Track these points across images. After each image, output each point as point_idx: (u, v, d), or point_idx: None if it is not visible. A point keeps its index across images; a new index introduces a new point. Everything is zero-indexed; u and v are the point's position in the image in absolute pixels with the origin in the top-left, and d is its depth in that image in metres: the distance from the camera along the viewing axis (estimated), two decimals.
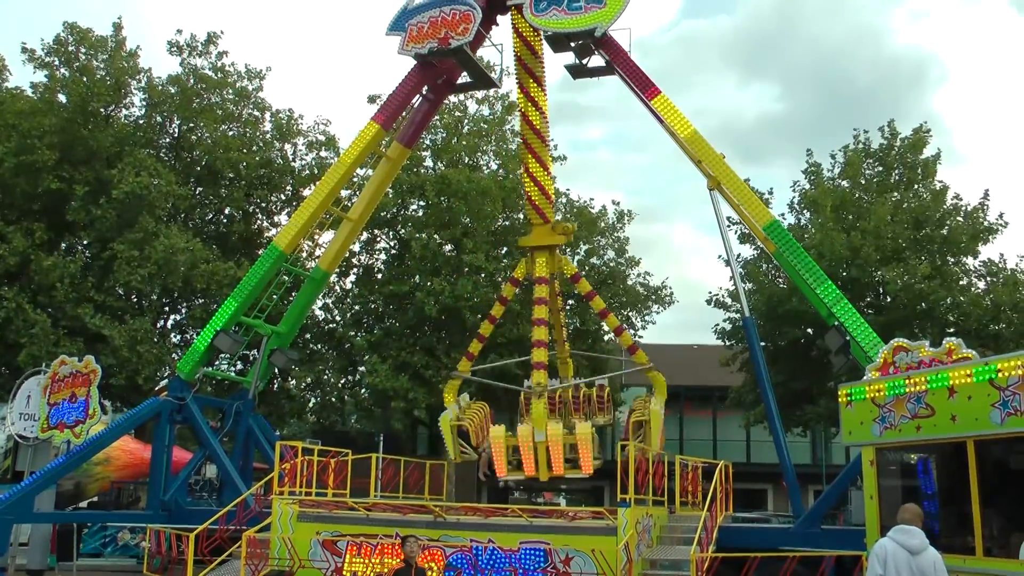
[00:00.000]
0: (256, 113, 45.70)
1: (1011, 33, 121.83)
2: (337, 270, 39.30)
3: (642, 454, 21.13)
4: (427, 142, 44.66)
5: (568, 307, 43.07)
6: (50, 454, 27.22)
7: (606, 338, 45.30)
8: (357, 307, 45.94)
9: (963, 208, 38.24)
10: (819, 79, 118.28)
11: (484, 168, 45.32)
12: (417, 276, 42.99)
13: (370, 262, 47.08)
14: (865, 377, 17.67)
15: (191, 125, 44.23)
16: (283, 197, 46.39)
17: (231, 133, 44.37)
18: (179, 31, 44.37)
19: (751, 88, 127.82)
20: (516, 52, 27.74)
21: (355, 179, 38.03)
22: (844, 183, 40.31)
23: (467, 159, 44.87)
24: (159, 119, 44.41)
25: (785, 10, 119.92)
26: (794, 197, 41.31)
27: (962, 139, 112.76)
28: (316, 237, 38.04)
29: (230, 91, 44.55)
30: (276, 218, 46.35)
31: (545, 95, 28.23)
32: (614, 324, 30.00)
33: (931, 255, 37.26)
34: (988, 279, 37.72)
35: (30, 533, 27.05)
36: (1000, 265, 37.59)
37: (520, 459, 26.25)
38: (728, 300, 41.18)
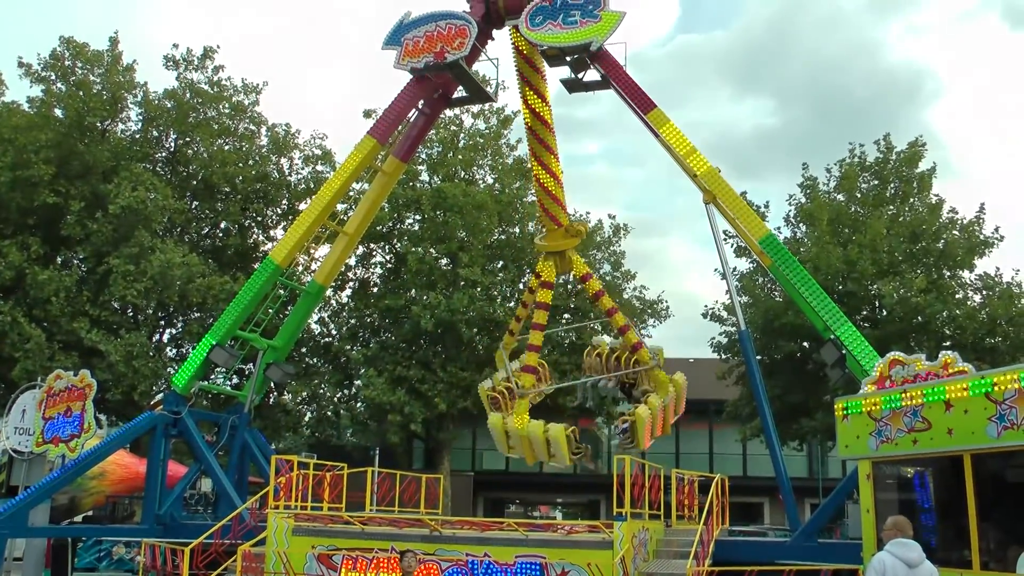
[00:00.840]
0: (252, 127, 45.76)
1: (1004, 48, 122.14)
2: (333, 284, 39.35)
3: (638, 467, 21.10)
4: (423, 156, 44.73)
5: (565, 321, 43.10)
6: (44, 468, 27.11)
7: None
8: (353, 321, 45.96)
9: (959, 222, 38.29)
10: (814, 93, 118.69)
11: (480, 182, 45.39)
12: (413, 290, 43.03)
13: (366, 276, 47.11)
14: (861, 391, 17.67)
15: (187, 139, 44.33)
16: (279, 211, 46.41)
17: (227, 147, 44.42)
18: (175, 45, 44.48)
19: (746, 102, 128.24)
20: (517, 68, 27.78)
21: (351, 193, 38.08)
22: (840, 197, 40.37)
23: (463, 173, 44.94)
24: (155, 133, 44.48)
25: (780, 24, 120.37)
26: (790, 210, 41.38)
27: (958, 153, 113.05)
28: (312, 251, 37.97)
29: (226, 105, 44.61)
30: (272, 232, 46.39)
31: (549, 107, 28.17)
32: (620, 322, 29.57)
33: (927, 268, 37.30)
34: (984, 292, 37.73)
35: (24, 548, 26.95)
36: (996, 279, 37.60)
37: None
38: (724, 314, 41.19)
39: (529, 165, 44.86)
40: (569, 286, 43.22)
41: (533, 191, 31.91)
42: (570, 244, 28.84)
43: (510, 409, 26.67)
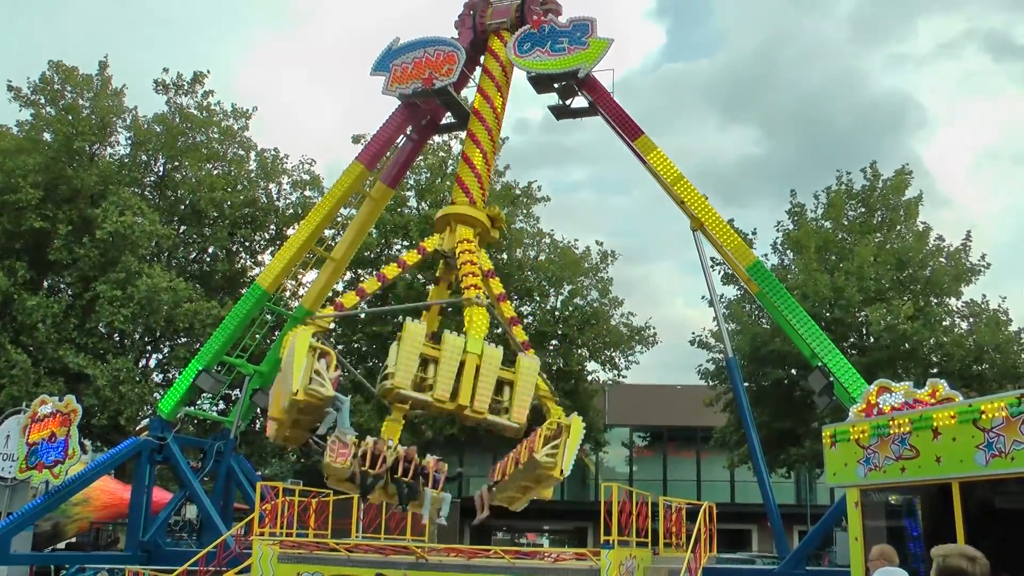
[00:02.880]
0: (241, 152, 45.72)
1: (987, 78, 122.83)
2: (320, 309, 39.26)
3: (626, 495, 21.02)
4: (411, 182, 44.72)
5: (553, 347, 43.03)
6: (28, 495, 26.96)
7: (589, 378, 45.27)
8: (340, 347, 45.83)
9: (945, 249, 38.39)
10: (799, 122, 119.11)
11: None
12: (400, 317, 42.93)
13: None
14: (849, 418, 17.64)
15: (176, 164, 44.27)
16: (267, 236, 46.35)
17: (216, 172, 44.37)
18: (165, 70, 44.43)
19: (732, 131, 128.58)
20: (484, 65, 27.82)
21: (339, 219, 38.03)
22: (827, 224, 40.45)
23: (451, 199, 44.90)
24: (144, 158, 44.38)
25: (764, 55, 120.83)
26: (777, 237, 41.44)
27: (943, 182, 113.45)
28: (299, 276, 37.96)
29: (215, 130, 44.58)
30: (260, 257, 46.32)
31: (505, 100, 27.81)
32: (509, 313, 26.99)
33: (914, 296, 37.36)
34: (971, 320, 37.82)
35: (7, 575, 26.77)
36: (982, 306, 37.68)
37: (432, 378, 21.25)
38: (711, 340, 41.18)
39: (517, 192, 45.13)
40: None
41: (457, 173, 28.21)
42: (481, 216, 26.25)
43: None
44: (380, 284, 26.64)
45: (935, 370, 34.41)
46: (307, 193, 45.66)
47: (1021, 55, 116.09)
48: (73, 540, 34.82)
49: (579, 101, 27.73)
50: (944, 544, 7.04)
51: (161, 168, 44.89)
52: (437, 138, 41.18)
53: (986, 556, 6.76)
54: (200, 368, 27.79)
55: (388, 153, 29.83)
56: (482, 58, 28.48)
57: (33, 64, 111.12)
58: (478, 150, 27.08)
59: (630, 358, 45.87)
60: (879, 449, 13.49)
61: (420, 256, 26.63)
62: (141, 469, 27.46)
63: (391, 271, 26.49)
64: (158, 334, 42.11)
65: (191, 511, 35.07)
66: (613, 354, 45.14)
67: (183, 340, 41.68)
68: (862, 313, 36.51)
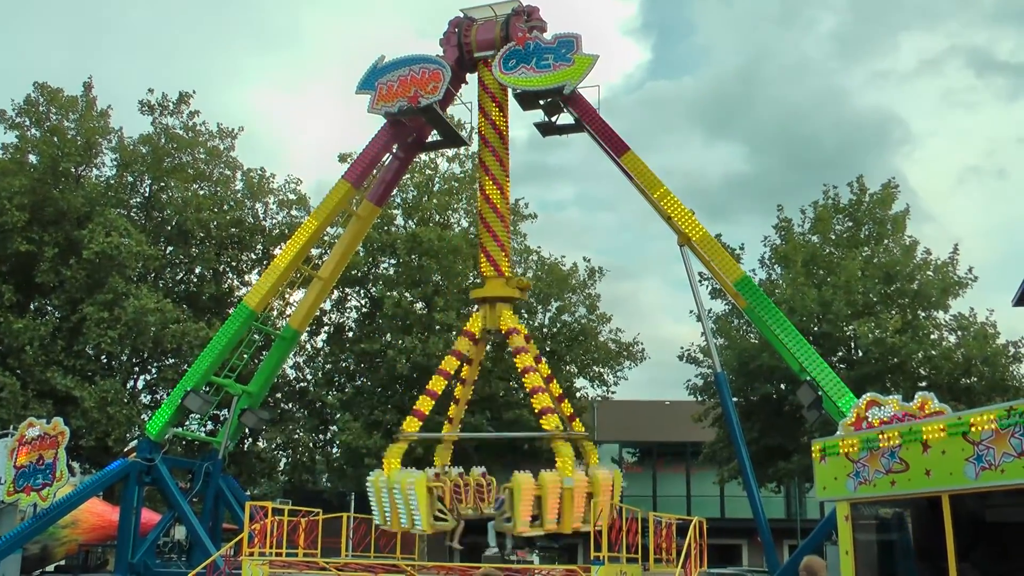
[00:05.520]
0: (227, 172, 45.70)
1: (970, 94, 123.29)
2: (308, 329, 39.19)
3: (616, 511, 21.00)
4: (398, 200, 44.70)
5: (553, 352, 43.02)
6: (16, 518, 26.89)
7: (578, 394, 45.15)
8: (328, 366, 45.78)
9: (933, 262, 38.46)
10: (783, 139, 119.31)
11: (455, 226, 45.39)
12: (388, 334, 42.93)
13: (341, 320, 46.99)
14: (838, 432, 17.65)
15: (162, 184, 44.17)
16: (254, 256, 46.29)
17: (202, 192, 44.34)
18: (151, 90, 44.23)
19: (717, 148, 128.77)
20: (481, 105, 27.80)
21: (326, 237, 38.01)
22: (814, 238, 40.50)
23: (438, 217, 44.94)
24: (130, 179, 44.33)
25: (747, 73, 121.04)
26: (765, 252, 41.46)
27: (927, 198, 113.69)
28: (287, 296, 37.92)
29: (201, 150, 44.56)
30: (247, 277, 46.23)
31: (507, 148, 27.73)
32: (557, 391, 27.04)
33: (902, 309, 37.41)
34: (959, 333, 37.84)
35: None
36: (970, 319, 37.73)
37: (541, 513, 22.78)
38: (700, 356, 41.14)
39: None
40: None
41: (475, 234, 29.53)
42: (513, 293, 27.07)
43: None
44: (446, 381, 26.35)
45: (924, 383, 34.45)
46: (294, 212, 45.66)
47: (1004, 71, 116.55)
48: (62, 563, 34.70)
49: (565, 118, 27.75)
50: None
51: (147, 189, 44.82)
52: (423, 156, 41.24)
53: (976, 569, 6.78)
54: (188, 389, 27.71)
55: (374, 171, 29.81)
56: (477, 92, 28.25)
57: (17, 86, 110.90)
58: (494, 214, 26.94)
59: (619, 374, 45.90)
60: (869, 463, 13.49)
61: (471, 342, 26.89)
62: (129, 490, 27.38)
63: (450, 363, 26.19)
64: (145, 355, 42.04)
65: (180, 532, 34.91)
66: (602, 370, 45.16)
67: (171, 361, 41.61)
68: (850, 327, 36.55)
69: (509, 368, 36.77)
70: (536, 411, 24.56)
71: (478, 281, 43.77)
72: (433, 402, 25.56)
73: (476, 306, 27.61)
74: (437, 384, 25.80)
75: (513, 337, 25.90)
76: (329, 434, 45.85)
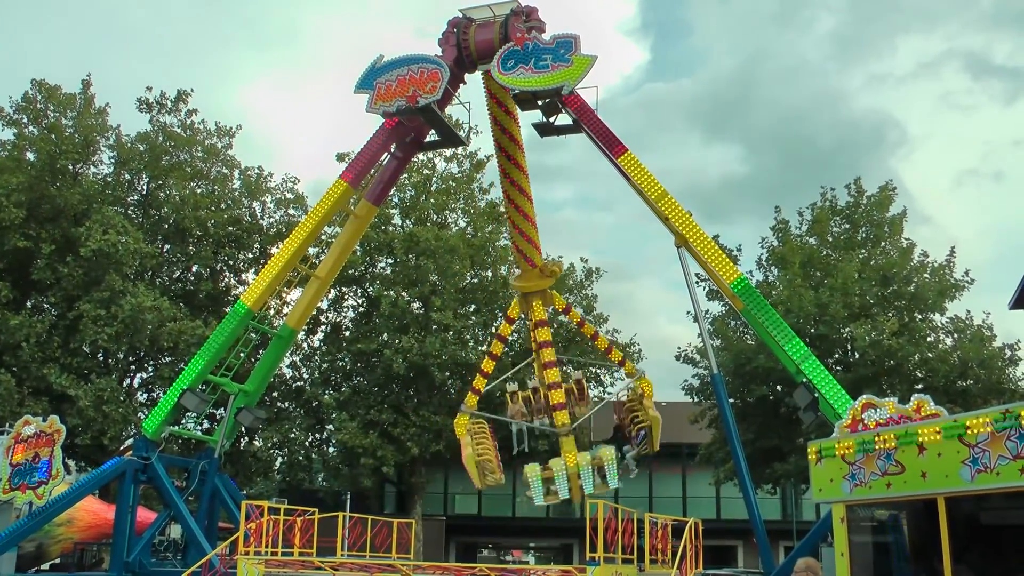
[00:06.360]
0: (225, 171, 45.65)
1: (966, 98, 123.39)
2: (305, 328, 39.18)
3: (611, 511, 21.01)
4: (395, 200, 44.72)
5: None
6: (11, 516, 26.84)
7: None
8: (325, 365, 45.78)
9: (930, 265, 38.49)
10: (780, 141, 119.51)
11: (452, 226, 45.41)
12: (385, 334, 42.92)
13: (338, 320, 47.00)
14: (834, 434, 17.65)
15: (160, 183, 44.09)
16: (251, 255, 46.19)
17: (200, 191, 44.27)
18: (149, 88, 44.23)
19: (714, 149, 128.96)
20: (490, 112, 27.82)
21: (323, 237, 38.00)
22: (812, 240, 40.52)
23: (435, 217, 44.98)
24: (127, 176, 44.25)
25: (744, 74, 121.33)
26: (762, 254, 41.50)
27: (923, 200, 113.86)
28: (284, 295, 37.88)
29: (199, 149, 44.50)
30: (244, 276, 46.14)
31: (522, 151, 28.26)
32: (604, 344, 31.25)
33: (899, 312, 37.45)
34: (955, 335, 37.88)
35: None
36: (967, 321, 37.77)
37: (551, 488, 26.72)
38: (696, 357, 41.19)
39: (502, 208, 45.13)
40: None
41: (507, 234, 32.13)
42: (545, 284, 29.16)
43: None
44: (494, 362, 29.44)
45: (920, 386, 34.53)
46: (291, 211, 45.65)
47: (1000, 74, 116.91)
48: (57, 561, 34.63)
49: (563, 118, 27.68)
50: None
51: (145, 187, 44.75)
52: (421, 156, 41.21)
53: (972, 572, 6.78)
54: (184, 387, 27.68)
55: (372, 171, 29.78)
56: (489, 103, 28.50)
57: (15, 83, 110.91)
58: (520, 215, 28.60)
59: (615, 375, 45.88)
60: (865, 465, 13.50)
61: (511, 326, 30.99)
62: (125, 489, 27.32)
63: (497, 348, 29.60)
64: (142, 353, 41.98)
65: (176, 531, 34.90)
66: (599, 371, 45.13)
67: (167, 359, 41.56)
68: (847, 329, 36.58)
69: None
70: (552, 404, 27.32)
71: (476, 281, 44.05)
72: (485, 380, 28.70)
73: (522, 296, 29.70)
74: (487, 365, 29.04)
75: (540, 331, 28.35)
76: (325, 433, 45.88)
